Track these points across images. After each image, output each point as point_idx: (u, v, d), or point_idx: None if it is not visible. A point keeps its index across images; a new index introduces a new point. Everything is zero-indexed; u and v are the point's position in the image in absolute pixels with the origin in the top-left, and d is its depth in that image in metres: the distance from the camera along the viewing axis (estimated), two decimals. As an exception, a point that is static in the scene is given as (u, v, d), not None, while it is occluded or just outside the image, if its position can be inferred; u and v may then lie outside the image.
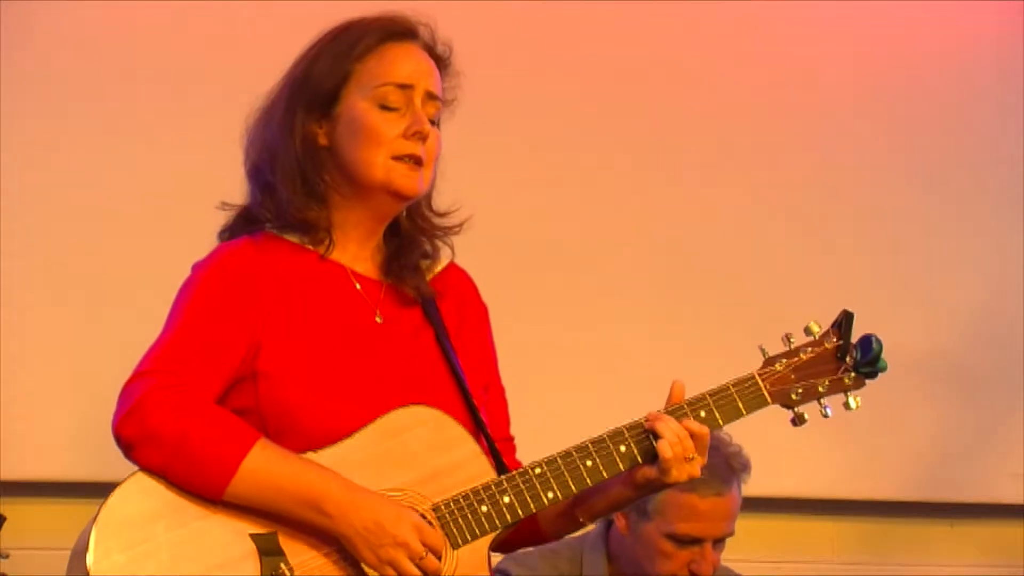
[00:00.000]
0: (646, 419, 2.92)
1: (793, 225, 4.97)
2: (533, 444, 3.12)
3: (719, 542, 3.93)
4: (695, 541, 3.87)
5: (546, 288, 4.84)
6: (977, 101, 5.03)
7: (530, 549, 3.85)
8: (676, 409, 2.94)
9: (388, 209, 2.97)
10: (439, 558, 2.78)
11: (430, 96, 2.95)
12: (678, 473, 2.90)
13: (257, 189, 2.97)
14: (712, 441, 3.00)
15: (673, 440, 2.88)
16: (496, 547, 2.93)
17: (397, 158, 2.91)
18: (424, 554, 2.75)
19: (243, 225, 2.99)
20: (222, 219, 3.03)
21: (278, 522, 2.74)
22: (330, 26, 3.00)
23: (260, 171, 2.96)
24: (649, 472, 2.92)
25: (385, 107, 2.92)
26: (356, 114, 2.93)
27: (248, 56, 4.48)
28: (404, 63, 2.95)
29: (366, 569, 2.75)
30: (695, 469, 2.92)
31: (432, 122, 2.96)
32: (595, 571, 3.94)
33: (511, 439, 3.10)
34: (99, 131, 4.68)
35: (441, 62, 3.01)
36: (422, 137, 2.91)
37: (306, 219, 2.93)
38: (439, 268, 3.06)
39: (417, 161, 2.92)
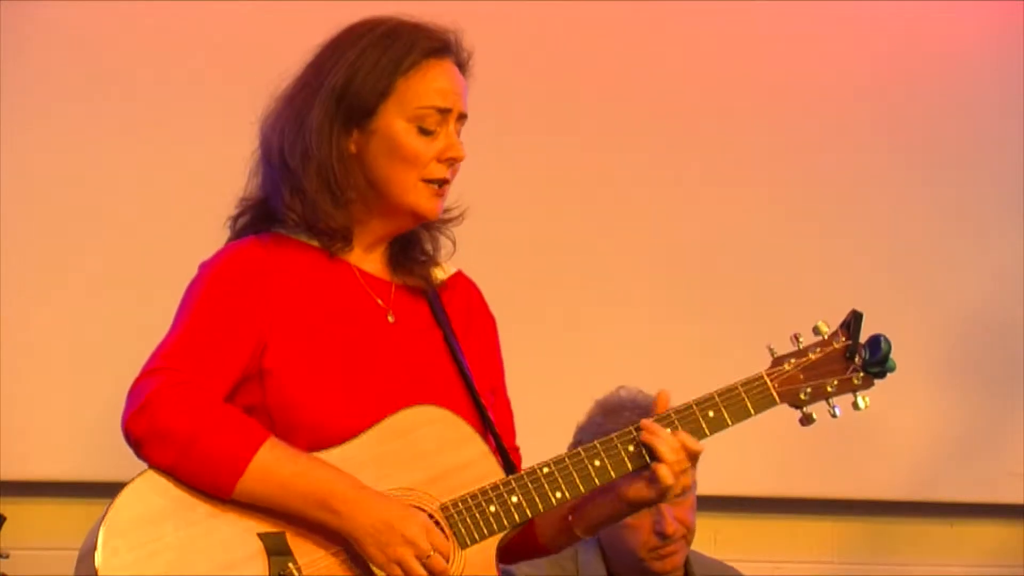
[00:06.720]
0: (638, 428, 2.90)
1: (800, 225, 4.96)
2: (535, 444, 3.12)
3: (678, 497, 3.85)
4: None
5: (552, 289, 4.83)
6: (977, 101, 5.03)
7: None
8: (663, 418, 2.92)
9: (406, 225, 2.98)
10: (447, 560, 2.77)
11: (460, 117, 2.95)
12: (675, 489, 2.89)
13: (285, 189, 2.92)
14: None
15: (671, 459, 2.87)
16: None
17: (427, 181, 2.91)
18: (431, 552, 2.74)
19: (258, 218, 2.97)
20: (225, 218, 3.01)
21: (287, 522, 2.74)
22: (365, 21, 2.94)
23: (291, 172, 2.91)
24: (644, 492, 2.91)
25: (423, 130, 2.91)
26: (394, 133, 2.90)
27: (250, 56, 4.49)
28: (445, 85, 2.92)
29: (374, 569, 2.74)
30: (688, 480, 2.91)
31: None
32: (593, 571, 3.94)
33: (517, 449, 3.10)
34: (100, 131, 4.67)
35: (464, 71, 2.99)
36: (455, 162, 2.92)
37: (330, 227, 2.92)
38: (445, 276, 3.05)
39: (444, 184, 2.93)
